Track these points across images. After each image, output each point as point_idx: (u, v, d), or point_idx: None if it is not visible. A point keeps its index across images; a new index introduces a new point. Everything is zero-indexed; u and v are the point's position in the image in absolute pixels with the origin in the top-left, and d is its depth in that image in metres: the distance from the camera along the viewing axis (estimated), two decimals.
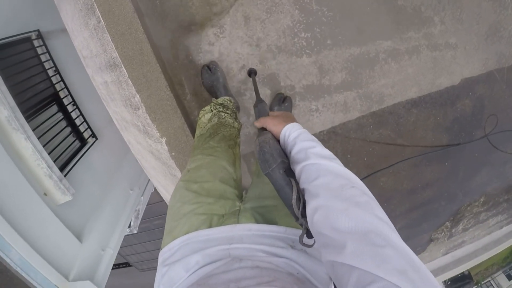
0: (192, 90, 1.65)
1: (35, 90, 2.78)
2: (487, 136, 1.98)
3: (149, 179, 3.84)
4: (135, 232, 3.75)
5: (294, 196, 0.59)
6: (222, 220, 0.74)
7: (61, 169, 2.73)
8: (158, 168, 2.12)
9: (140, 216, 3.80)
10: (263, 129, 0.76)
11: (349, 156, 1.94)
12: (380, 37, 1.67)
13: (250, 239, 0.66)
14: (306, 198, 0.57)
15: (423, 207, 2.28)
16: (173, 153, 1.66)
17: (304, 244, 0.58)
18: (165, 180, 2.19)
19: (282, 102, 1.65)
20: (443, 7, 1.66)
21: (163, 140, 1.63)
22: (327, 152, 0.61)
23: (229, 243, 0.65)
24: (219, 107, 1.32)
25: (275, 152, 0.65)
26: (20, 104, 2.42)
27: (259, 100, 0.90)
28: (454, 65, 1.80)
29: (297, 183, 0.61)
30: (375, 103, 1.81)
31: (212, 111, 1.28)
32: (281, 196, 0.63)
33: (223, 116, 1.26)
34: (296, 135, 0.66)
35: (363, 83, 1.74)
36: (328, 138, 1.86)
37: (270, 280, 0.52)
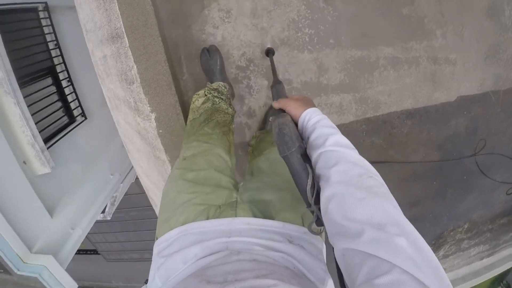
0: (189, 70, 1.68)
1: (33, 59, 2.82)
2: (475, 156, 2.02)
3: (131, 168, 3.83)
4: (109, 218, 3.71)
5: (310, 182, 0.60)
6: (219, 211, 0.75)
7: (45, 141, 2.73)
8: (142, 150, 2.11)
9: (117, 204, 3.77)
10: (281, 110, 0.77)
11: None
12: (382, 43, 1.72)
13: (249, 233, 0.67)
14: (321, 184, 0.57)
15: None
16: (160, 131, 1.67)
17: (312, 231, 0.60)
18: (148, 163, 2.18)
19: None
20: (445, 22, 1.73)
21: (153, 115, 1.63)
22: (346, 140, 0.62)
23: (228, 236, 0.66)
24: (214, 92, 1.35)
25: (294, 135, 0.66)
26: (15, 69, 2.43)
27: (276, 81, 0.92)
28: (452, 81, 1.86)
29: (312, 169, 0.62)
30: (371, 109, 1.85)
31: (206, 95, 1.31)
32: (296, 180, 0.63)
33: (217, 102, 1.29)
34: (316, 120, 0.66)
35: (361, 87, 1.78)
36: None
37: (267, 273, 0.53)
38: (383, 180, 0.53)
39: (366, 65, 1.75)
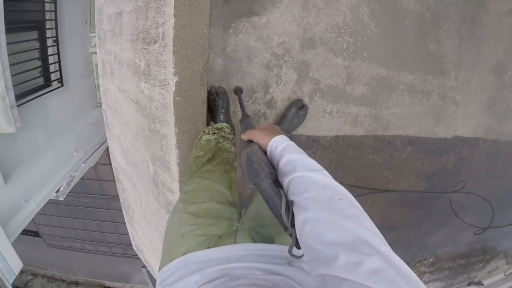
0: (223, 46, 1.67)
1: (24, 6, 2.61)
2: (454, 192, 2.25)
3: (96, 149, 3.59)
4: (61, 199, 3.40)
5: (283, 205, 0.62)
6: (220, 240, 0.77)
7: (15, 98, 2.48)
8: (132, 123, 2.01)
9: (73, 184, 3.50)
10: (249, 141, 0.82)
11: (339, 171, 2.05)
12: (406, 69, 1.89)
13: (248, 258, 0.69)
14: (294, 210, 0.60)
15: None
16: (178, 98, 1.60)
17: (293, 255, 0.61)
18: (134, 140, 2.08)
19: (300, 109, 1.79)
20: (460, 66, 1.96)
21: (175, 79, 1.53)
22: (314, 164, 0.65)
23: (227, 263, 0.68)
24: (218, 132, 1.42)
25: (263, 162, 0.70)
26: (5, 12, 2.22)
27: (245, 115, 0.98)
28: (453, 120, 2.09)
29: (285, 194, 0.65)
30: (381, 127, 1.99)
31: (209, 133, 1.39)
32: (270, 206, 0.66)
33: (221, 141, 1.36)
34: (283, 147, 0.70)
35: (378, 104, 1.92)
36: (329, 145, 1.96)
37: None
38: (354, 200, 0.56)
39: (388, 86, 1.90)
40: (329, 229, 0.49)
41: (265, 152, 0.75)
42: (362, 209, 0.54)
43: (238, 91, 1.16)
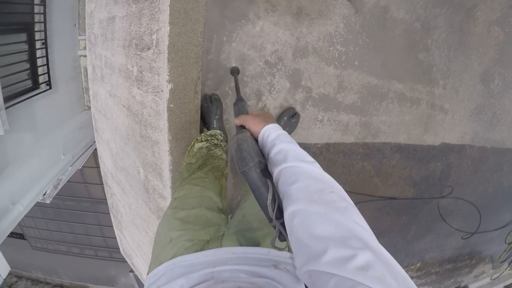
0: (217, 53, 1.71)
1: (13, 8, 2.61)
2: (442, 198, 2.35)
3: (83, 152, 3.59)
4: (48, 202, 3.39)
5: (270, 196, 0.63)
6: (207, 245, 0.79)
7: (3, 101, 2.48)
8: (123, 128, 2.03)
9: (59, 187, 3.47)
10: (242, 127, 0.82)
11: None
12: (395, 78, 1.97)
13: (234, 261, 0.71)
14: (284, 202, 0.60)
15: None
16: (172, 105, 1.63)
17: (276, 247, 0.64)
18: (125, 145, 2.10)
19: (291, 117, 1.86)
20: (449, 75, 2.05)
21: (169, 86, 1.57)
22: (306, 155, 0.65)
23: (213, 266, 0.69)
24: (211, 139, 1.47)
25: (253, 151, 0.69)
26: None
27: (239, 98, 0.98)
28: (440, 128, 2.18)
29: (273, 184, 0.65)
30: (371, 135, 2.06)
31: (202, 141, 1.43)
32: (256, 196, 0.66)
33: (213, 148, 1.40)
34: (275, 136, 0.70)
35: (368, 112, 1.99)
36: (320, 152, 2.02)
37: None
38: (345, 194, 0.56)
39: (378, 94, 1.97)
40: (319, 222, 0.49)
41: (256, 140, 0.75)
42: (353, 204, 0.54)
43: (234, 71, 1.17)
